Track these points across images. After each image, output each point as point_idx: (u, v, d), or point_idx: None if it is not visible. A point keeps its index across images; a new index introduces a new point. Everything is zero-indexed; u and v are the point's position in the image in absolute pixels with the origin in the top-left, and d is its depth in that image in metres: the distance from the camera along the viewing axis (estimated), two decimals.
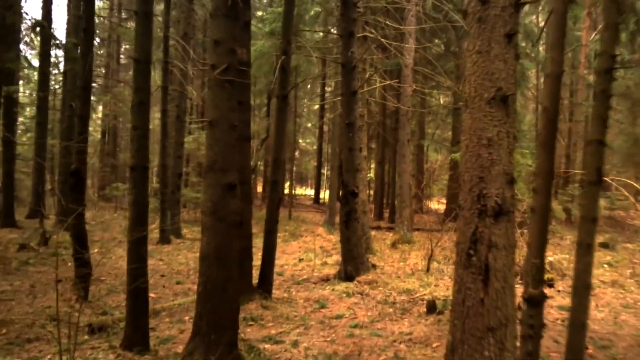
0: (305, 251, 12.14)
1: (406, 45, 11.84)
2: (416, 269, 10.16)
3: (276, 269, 10.06)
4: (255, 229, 12.17)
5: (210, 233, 4.35)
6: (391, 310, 7.18)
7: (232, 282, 4.46)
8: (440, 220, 17.59)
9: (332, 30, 18.11)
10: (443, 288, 8.69)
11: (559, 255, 11.90)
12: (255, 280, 7.42)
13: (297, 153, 36.25)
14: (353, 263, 9.06)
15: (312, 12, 18.80)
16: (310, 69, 19.94)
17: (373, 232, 13.88)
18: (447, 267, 10.43)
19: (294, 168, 37.94)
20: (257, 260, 7.75)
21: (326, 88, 29.05)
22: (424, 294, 8.14)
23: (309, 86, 34.15)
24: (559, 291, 8.92)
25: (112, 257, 10.22)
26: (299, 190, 41.42)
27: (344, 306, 7.30)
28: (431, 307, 6.80)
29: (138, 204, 4.80)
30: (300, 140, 38.75)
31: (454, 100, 17.59)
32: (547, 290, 8.92)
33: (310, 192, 38.72)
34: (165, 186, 12.20)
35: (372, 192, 23.58)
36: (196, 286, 7.99)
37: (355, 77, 9.17)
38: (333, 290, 8.25)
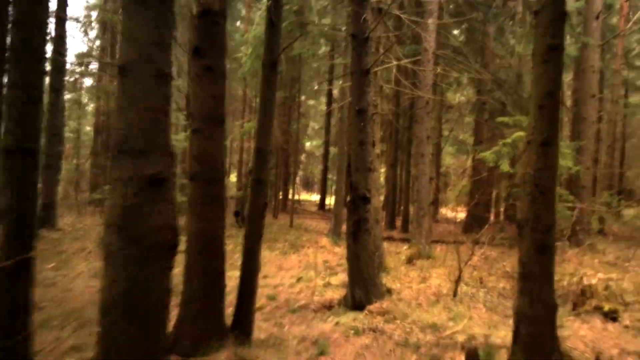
0: (305, 267, 10.23)
1: (429, 21, 9.92)
2: (440, 293, 8.21)
3: (269, 291, 8.20)
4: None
5: (117, 264, 2.48)
6: (415, 357, 5.26)
7: (156, 350, 2.57)
8: (460, 231, 15.65)
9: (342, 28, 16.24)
10: (478, 321, 6.75)
11: (604, 274, 9.88)
12: (233, 304, 5.48)
13: (303, 156, 34.36)
14: (363, 286, 7.15)
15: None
16: (314, 60, 18.10)
17: (385, 244, 11.93)
18: (478, 291, 8.49)
19: (300, 172, 36.13)
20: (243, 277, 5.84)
21: (334, 91, 27.18)
22: (456, 332, 6.21)
23: (315, 87, 32.34)
24: (626, 327, 6.92)
25: (69, 275, 8.35)
26: (304, 196, 39.53)
27: (352, 351, 5.39)
28: (472, 358, 4.85)
29: (17, 211, 2.92)
30: (307, 144, 36.90)
31: (477, 91, 15.62)
32: (611, 327, 6.93)
33: (317, 197, 36.76)
34: None
35: (381, 198, 21.64)
36: None
37: (369, 52, 7.29)
38: (337, 324, 6.33)
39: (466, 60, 11.78)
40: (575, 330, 6.58)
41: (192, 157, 4.77)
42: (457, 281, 8.18)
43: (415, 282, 8.92)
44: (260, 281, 8.86)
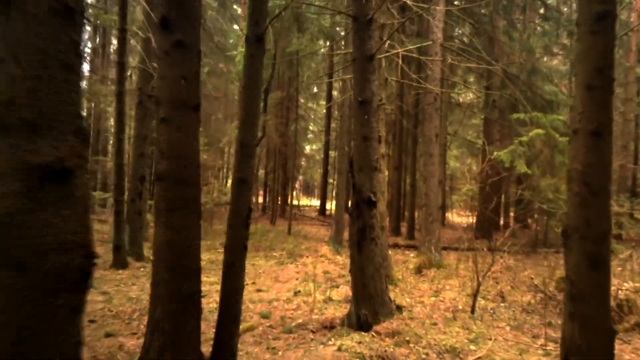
0: (304, 279, 9.27)
1: (437, 8, 9.04)
2: (456, 308, 7.28)
3: (263, 307, 7.26)
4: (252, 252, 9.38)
5: None
6: None
7: None
8: (471, 237, 14.67)
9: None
10: (504, 344, 5.81)
11: (630, 282, 8.93)
12: (212, 331, 4.56)
13: (302, 160, 33.43)
14: (369, 304, 6.20)
15: None
16: (313, 60, 17.21)
17: (390, 252, 10.97)
18: (499, 307, 7.54)
19: (300, 176, 35.17)
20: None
21: (334, 92, 26.29)
22: (480, 357, 5.26)
23: (315, 89, 31.41)
24: None
25: None
26: (304, 201, 38.56)
27: None
28: None
29: None
30: (306, 147, 35.94)
31: (487, 88, 14.70)
32: None
33: (317, 202, 35.78)
34: (121, 193, 9.23)
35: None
36: (135, 340, 5.16)
37: (372, 36, 6.39)
38: (340, 349, 5.37)
39: (476, 52, 10.88)
40: (618, 355, 5.62)
41: (159, 152, 3.85)
42: (475, 295, 7.25)
43: (427, 296, 7.98)
44: (254, 295, 7.97)
